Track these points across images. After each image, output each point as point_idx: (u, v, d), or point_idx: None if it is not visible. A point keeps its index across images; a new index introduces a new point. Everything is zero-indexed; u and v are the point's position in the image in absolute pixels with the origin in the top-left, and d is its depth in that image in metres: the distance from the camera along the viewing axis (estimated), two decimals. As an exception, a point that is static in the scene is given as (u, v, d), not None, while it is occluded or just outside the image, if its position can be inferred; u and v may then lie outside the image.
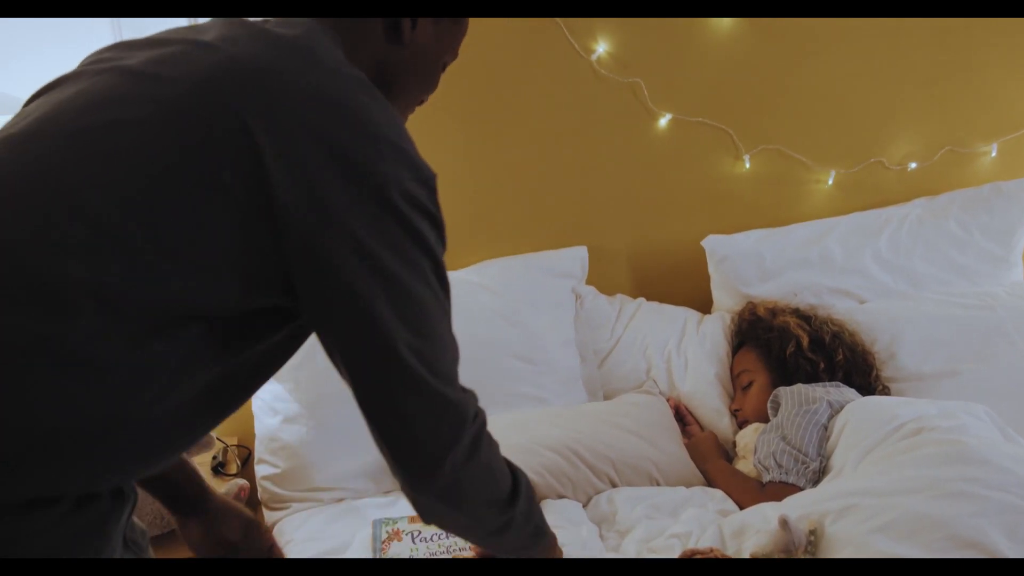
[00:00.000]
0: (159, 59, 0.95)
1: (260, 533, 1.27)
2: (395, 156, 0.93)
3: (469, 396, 1.03)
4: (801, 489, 1.67)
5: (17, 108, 1.00)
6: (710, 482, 1.86)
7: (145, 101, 0.91)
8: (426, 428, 0.96)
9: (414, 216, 0.93)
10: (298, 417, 1.89)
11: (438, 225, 0.97)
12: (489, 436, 1.05)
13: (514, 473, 1.11)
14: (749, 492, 1.75)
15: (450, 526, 1.09)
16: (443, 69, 1.15)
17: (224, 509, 1.24)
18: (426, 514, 1.04)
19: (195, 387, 0.91)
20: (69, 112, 0.92)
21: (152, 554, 1.12)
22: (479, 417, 1.03)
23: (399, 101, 1.09)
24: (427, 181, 0.96)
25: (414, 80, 1.10)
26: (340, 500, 1.87)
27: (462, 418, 0.99)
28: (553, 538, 1.22)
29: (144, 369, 0.87)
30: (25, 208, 0.86)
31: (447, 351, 1.00)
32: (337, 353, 0.96)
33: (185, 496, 1.22)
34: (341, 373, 0.97)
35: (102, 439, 0.86)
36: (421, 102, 1.16)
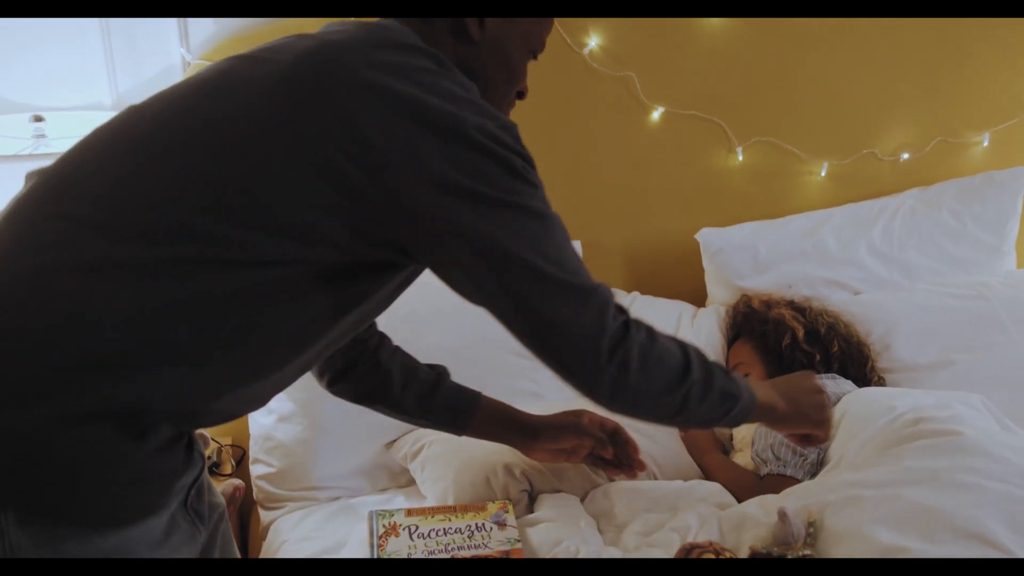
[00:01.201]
0: (268, 47, 1.08)
1: (581, 429, 1.52)
2: (474, 108, 1.02)
3: (603, 286, 1.08)
4: (799, 481, 1.67)
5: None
6: (708, 475, 1.86)
7: (248, 76, 1.03)
8: (569, 319, 1.03)
9: (503, 152, 1.01)
10: (292, 416, 1.88)
11: (528, 161, 1.05)
12: (639, 321, 1.10)
13: (683, 347, 1.15)
14: (747, 485, 1.74)
15: (635, 415, 1.15)
16: (533, 58, 1.21)
17: (550, 428, 1.52)
18: (611, 409, 1.12)
19: (289, 321, 1.01)
20: (193, 86, 1.07)
21: (229, 533, 1.21)
22: (623, 309, 1.09)
23: (487, 97, 1.13)
24: (509, 128, 1.04)
25: (495, 76, 1.18)
26: (335, 499, 1.87)
27: (603, 302, 1.05)
28: (757, 400, 1.23)
29: (236, 296, 0.97)
30: (144, 161, 1.00)
31: (567, 249, 1.06)
32: (469, 289, 1.05)
33: (520, 432, 1.52)
34: (484, 306, 1.06)
35: (188, 355, 0.96)
36: (520, 95, 1.24)
